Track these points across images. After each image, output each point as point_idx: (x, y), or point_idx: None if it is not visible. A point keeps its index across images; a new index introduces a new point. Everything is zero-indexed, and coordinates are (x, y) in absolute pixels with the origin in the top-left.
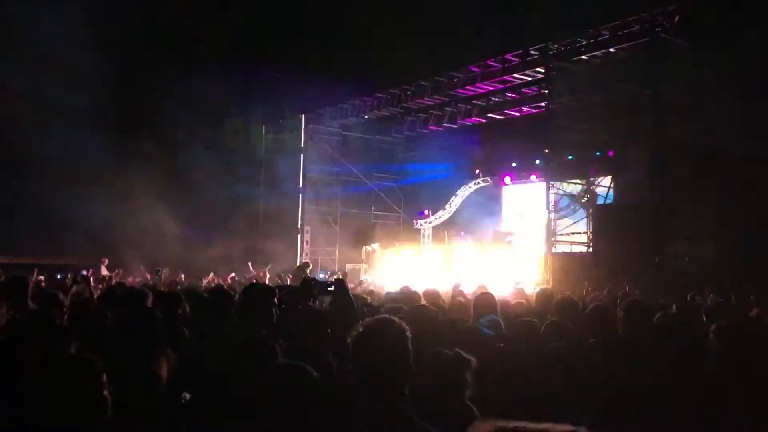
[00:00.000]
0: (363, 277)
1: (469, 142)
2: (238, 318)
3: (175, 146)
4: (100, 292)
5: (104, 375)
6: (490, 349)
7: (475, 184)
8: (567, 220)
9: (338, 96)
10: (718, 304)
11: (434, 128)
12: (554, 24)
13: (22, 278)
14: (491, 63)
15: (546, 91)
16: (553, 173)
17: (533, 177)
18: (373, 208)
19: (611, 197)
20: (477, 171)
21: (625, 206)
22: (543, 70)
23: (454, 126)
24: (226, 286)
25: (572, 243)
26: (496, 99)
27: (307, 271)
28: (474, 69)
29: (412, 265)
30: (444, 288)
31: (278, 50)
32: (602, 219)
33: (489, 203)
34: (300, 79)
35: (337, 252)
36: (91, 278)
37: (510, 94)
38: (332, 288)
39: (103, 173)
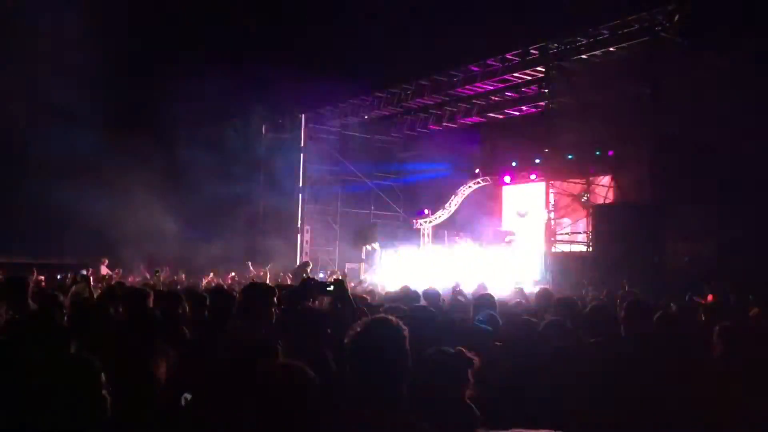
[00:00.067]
0: (362, 276)
1: (469, 141)
2: (239, 318)
3: (175, 145)
4: (99, 291)
5: (103, 375)
6: (490, 349)
7: (474, 183)
8: (566, 220)
9: (338, 95)
10: (718, 304)
11: (434, 128)
12: (554, 23)
13: (22, 278)
14: (491, 62)
15: (546, 91)
16: (552, 173)
17: (533, 176)
18: (372, 207)
19: (611, 196)
20: (477, 170)
21: (625, 206)
22: (543, 70)
23: (453, 125)
24: (225, 286)
25: (572, 243)
26: (496, 98)
27: (308, 270)
28: (474, 68)
29: (411, 264)
30: (444, 287)
31: (278, 50)
32: (602, 218)
33: (488, 203)
34: (300, 78)
35: (336, 251)
36: (91, 278)
37: (510, 94)
38: (331, 288)
39: (102, 172)
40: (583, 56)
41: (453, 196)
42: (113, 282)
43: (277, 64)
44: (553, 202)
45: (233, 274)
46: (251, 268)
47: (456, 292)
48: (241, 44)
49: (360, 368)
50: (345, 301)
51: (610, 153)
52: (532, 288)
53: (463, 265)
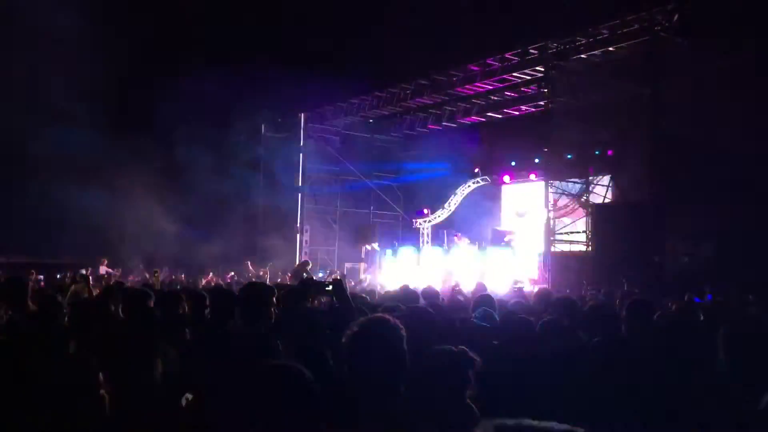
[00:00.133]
0: (362, 275)
1: (468, 141)
2: (238, 317)
3: (175, 145)
4: (98, 291)
5: (100, 375)
6: (487, 348)
7: (474, 183)
8: (566, 219)
9: (338, 95)
10: (718, 304)
11: (433, 127)
12: (553, 23)
13: (22, 279)
14: (490, 62)
15: (545, 90)
16: (552, 172)
17: (532, 176)
18: (372, 206)
19: (610, 196)
20: (476, 170)
21: (625, 205)
22: (542, 69)
23: (453, 125)
24: (224, 286)
25: (571, 242)
26: (496, 98)
27: (308, 269)
28: (473, 68)
29: (411, 264)
30: (443, 287)
31: (278, 50)
32: (601, 218)
33: (488, 202)
34: (300, 78)
35: (336, 251)
36: (90, 277)
37: (509, 93)
38: (330, 288)
39: (102, 172)
40: (583, 56)
41: (452, 196)
42: (112, 282)
43: (277, 64)
44: (552, 202)
45: (233, 273)
46: (250, 267)
47: (455, 291)
48: (241, 44)
49: (358, 367)
50: (343, 300)
51: (610, 153)
52: (530, 288)
53: (462, 264)
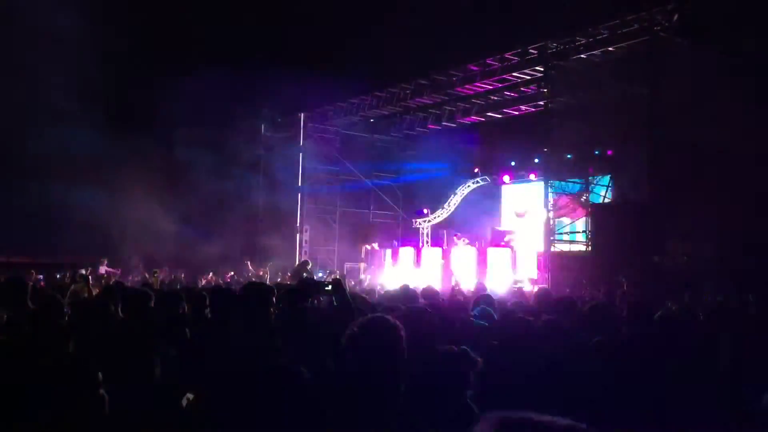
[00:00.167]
0: (362, 275)
1: (468, 140)
2: (238, 317)
3: (175, 145)
4: (98, 291)
5: (100, 374)
6: (487, 348)
7: (473, 182)
8: (566, 219)
9: (337, 95)
10: (717, 304)
11: (433, 127)
12: (553, 23)
13: (22, 279)
14: (490, 62)
15: (545, 90)
16: (551, 172)
17: (532, 176)
18: (372, 206)
19: (610, 196)
20: (476, 170)
21: (624, 205)
22: (542, 69)
23: (452, 125)
24: (224, 285)
25: (571, 242)
26: (495, 98)
27: (308, 269)
28: (473, 68)
29: (410, 263)
30: (443, 286)
31: (278, 49)
32: (601, 218)
33: (488, 202)
34: (299, 77)
35: (336, 250)
36: (90, 277)
37: (509, 93)
38: (330, 288)
39: (101, 172)
40: (583, 56)
41: (452, 196)
42: (112, 281)
43: (277, 64)
44: (552, 202)
45: (232, 273)
46: (250, 267)
47: (455, 291)
48: (241, 44)
49: (356, 367)
50: (343, 300)
51: (609, 152)
52: (530, 288)
53: (462, 263)
